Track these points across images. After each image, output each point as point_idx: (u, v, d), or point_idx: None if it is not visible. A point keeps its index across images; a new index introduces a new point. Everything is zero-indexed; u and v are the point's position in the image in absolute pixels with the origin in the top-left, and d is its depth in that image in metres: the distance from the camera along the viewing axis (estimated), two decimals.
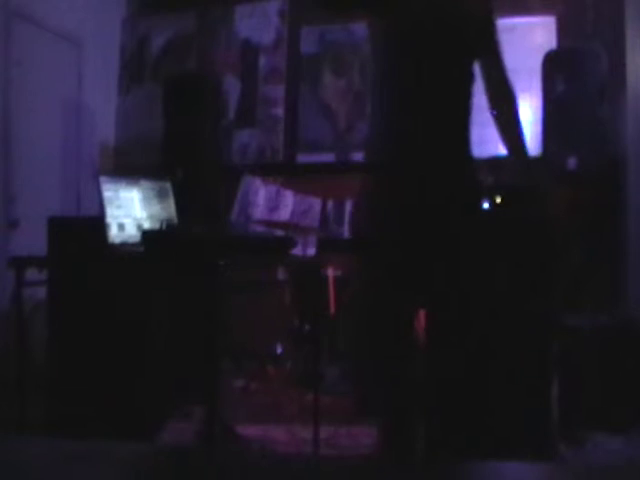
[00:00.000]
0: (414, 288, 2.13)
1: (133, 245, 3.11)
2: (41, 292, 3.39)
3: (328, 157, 5.46)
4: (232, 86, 5.70)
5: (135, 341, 3.12)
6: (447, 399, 2.08)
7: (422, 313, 2.13)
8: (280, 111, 5.62)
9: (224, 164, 5.47)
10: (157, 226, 3.21)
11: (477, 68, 2.23)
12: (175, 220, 3.50)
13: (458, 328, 2.08)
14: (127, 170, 5.08)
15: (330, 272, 4.67)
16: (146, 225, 3.28)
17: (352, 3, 2.27)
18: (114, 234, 3.12)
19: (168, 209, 3.52)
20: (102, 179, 3.18)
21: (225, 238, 2.82)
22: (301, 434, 3.45)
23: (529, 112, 4.93)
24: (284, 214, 5.38)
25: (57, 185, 5.10)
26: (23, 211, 4.58)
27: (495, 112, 2.29)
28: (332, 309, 4.63)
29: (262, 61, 5.68)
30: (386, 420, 2.13)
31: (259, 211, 5.35)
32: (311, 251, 5.27)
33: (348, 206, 5.25)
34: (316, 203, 5.39)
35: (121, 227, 3.17)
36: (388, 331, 2.11)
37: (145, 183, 3.40)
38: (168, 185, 3.58)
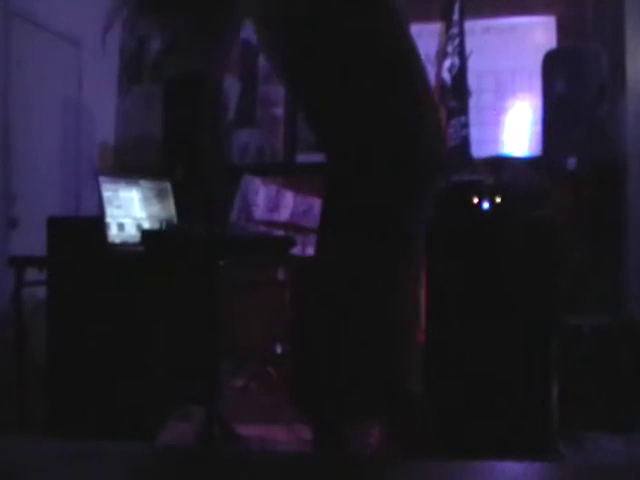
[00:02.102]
0: None
1: (133, 245, 3.12)
2: (41, 292, 3.39)
3: None
4: (232, 86, 5.69)
5: (135, 341, 3.11)
6: (445, 398, 2.07)
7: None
8: (280, 111, 5.62)
9: (224, 164, 5.47)
10: (157, 226, 3.21)
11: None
12: (175, 220, 3.50)
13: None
14: (127, 170, 5.08)
15: None
16: (146, 225, 3.28)
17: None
18: (114, 234, 3.12)
19: (168, 209, 3.52)
20: (102, 179, 3.19)
21: (225, 238, 2.82)
22: (301, 434, 3.45)
23: (529, 112, 4.94)
24: (284, 214, 5.38)
25: (57, 185, 5.09)
26: (23, 211, 4.57)
27: None
28: None
29: (262, 61, 5.67)
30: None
31: (259, 211, 5.35)
32: (311, 251, 5.27)
33: None
34: (316, 203, 5.39)
35: (121, 227, 3.17)
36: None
37: (145, 183, 3.41)
38: (168, 185, 3.59)
